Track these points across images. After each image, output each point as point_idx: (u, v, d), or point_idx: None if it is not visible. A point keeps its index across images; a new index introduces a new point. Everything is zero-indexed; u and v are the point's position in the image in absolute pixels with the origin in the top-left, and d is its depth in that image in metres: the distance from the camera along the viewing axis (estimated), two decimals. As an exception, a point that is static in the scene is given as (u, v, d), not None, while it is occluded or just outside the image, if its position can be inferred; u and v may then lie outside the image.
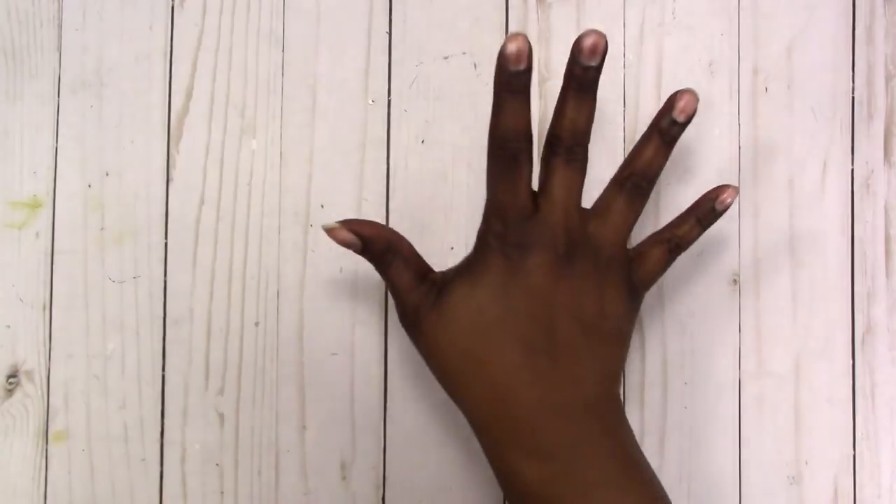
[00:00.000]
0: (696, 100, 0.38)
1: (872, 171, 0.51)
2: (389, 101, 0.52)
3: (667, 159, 0.40)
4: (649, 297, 0.50)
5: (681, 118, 0.38)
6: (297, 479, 0.51)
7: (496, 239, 0.38)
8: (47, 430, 0.51)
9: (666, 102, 0.39)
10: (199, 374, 0.51)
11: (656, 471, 0.41)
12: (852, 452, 0.50)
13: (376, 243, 0.40)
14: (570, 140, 0.38)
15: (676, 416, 0.50)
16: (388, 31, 0.53)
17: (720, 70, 0.52)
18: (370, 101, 0.52)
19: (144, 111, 0.53)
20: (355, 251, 0.40)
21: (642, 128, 0.51)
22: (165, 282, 0.52)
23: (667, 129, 0.39)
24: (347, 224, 0.39)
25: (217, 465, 0.50)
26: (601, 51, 0.35)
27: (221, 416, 0.51)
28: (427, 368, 0.41)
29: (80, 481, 0.51)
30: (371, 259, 0.41)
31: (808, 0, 0.52)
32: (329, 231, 0.39)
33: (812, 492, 0.50)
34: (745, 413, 0.50)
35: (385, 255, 0.40)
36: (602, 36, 0.34)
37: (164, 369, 0.51)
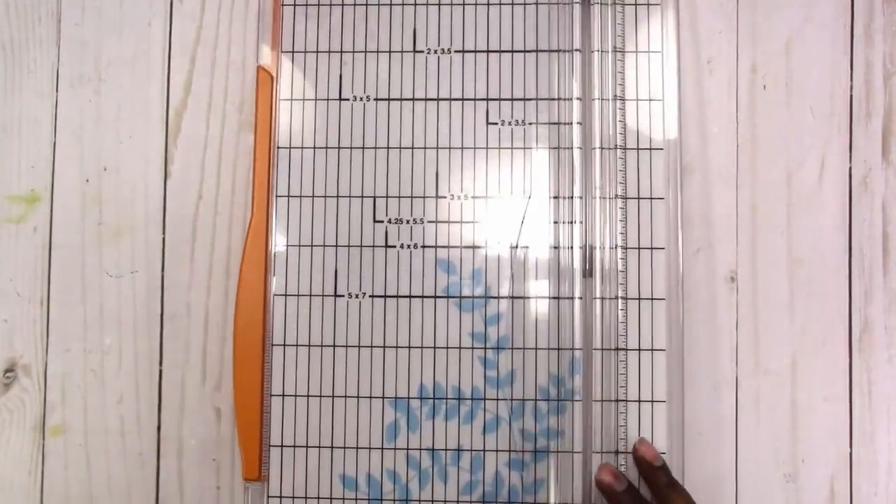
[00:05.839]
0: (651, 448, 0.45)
1: (870, 170, 0.51)
2: (388, 98, 0.52)
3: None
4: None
5: (658, 463, 0.45)
6: (293, 475, 0.50)
7: None
8: (44, 424, 0.51)
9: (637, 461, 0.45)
10: (196, 370, 0.51)
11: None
12: (849, 450, 0.50)
13: None
14: None
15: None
16: (386, 27, 0.52)
17: (718, 67, 0.52)
18: (368, 98, 0.52)
19: (143, 106, 0.53)
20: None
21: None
22: (163, 277, 0.52)
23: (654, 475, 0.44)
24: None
25: (214, 459, 0.50)
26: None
27: (218, 411, 0.51)
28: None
29: (76, 475, 0.51)
30: None
31: (807, -2, 0.52)
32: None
33: (809, 490, 0.50)
34: (742, 411, 0.50)
35: None
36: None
37: (161, 364, 0.51)
